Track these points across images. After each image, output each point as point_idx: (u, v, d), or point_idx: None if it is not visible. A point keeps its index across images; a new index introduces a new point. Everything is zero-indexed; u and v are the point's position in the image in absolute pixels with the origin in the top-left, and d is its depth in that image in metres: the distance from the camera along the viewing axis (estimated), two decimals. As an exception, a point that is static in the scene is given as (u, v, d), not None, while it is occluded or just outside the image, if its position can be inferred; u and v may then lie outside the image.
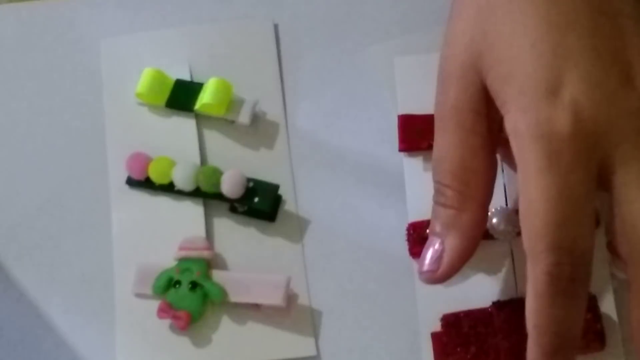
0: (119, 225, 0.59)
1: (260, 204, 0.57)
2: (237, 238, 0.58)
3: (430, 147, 0.57)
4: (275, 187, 0.58)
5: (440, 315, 0.53)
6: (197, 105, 0.60)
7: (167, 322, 0.56)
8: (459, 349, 0.52)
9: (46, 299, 0.57)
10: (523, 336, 0.52)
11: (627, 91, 0.46)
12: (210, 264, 0.57)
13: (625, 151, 0.45)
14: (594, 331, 0.52)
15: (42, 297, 0.57)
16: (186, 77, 0.62)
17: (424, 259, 0.49)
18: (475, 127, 0.48)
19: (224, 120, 0.61)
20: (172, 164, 0.58)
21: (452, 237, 0.48)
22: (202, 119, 0.61)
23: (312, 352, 0.55)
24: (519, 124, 0.46)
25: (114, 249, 0.58)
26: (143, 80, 0.61)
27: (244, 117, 0.60)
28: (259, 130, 0.61)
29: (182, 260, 0.56)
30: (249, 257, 0.58)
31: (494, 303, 0.53)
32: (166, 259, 0.57)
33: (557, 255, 0.44)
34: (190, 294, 0.55)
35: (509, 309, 0.53)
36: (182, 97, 0.61)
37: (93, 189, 0.60)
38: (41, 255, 0.58)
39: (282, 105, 0.62)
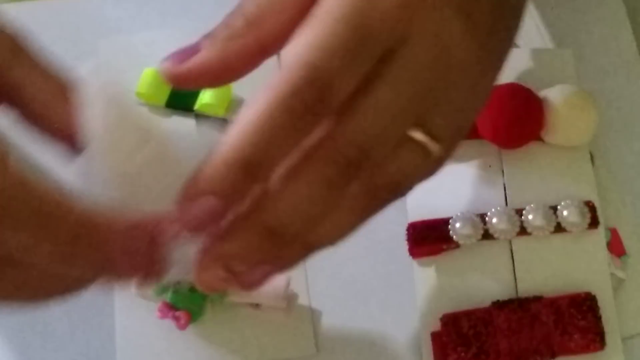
0: (119, 225, 0.59)
1: (260, 203, 0.57)
2: (237, 238, 0.58)
3: None
4: (275, 187, 0.58)
5: (440, 315, 0.53)
6: (197, 105, 0.60)
7: (167, 322, 0.55)
8: (459, 349, 0.52)
9: (46, 299, 0.57)
10: (523, 336, 0.52)
11: None
12: (210, 264, 0.56)
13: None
14: (594, 331, 0.52)
15: (42, 297, 0.57)
16: (186, 77, 0.62)
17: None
18: None
19: (224, 120, 0.61)
20: (172, 164, 0.58)
21: (213, 44, 0.43)
22: (202, 119, 0.61)
23: (312, 351, 0.56)
24: None
25: (114, 249, 0.58)
26: (143, 80, 0.61)
27: (243, 117, 0.60)
28: (258, 130, 0.61)
29: (182, 260, 0.56)
30: (249, 257, 0.58)
31: (493, 303, 0.53)
32: (166, 259, 0.56)
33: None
34: (190, 294, 0.55)
35: (509, 309, 0.53)
36: (181, 97, 0.61)
37: (93, 189, 0.60)
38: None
39: (282, 105, 0.62)
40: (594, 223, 0.55)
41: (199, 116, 0.61)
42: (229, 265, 0.39)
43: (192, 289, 0.55)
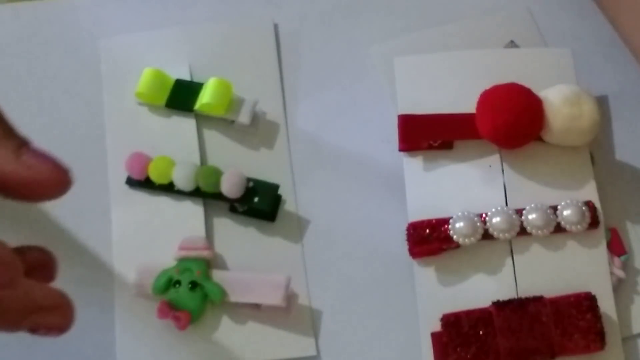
0: (119, 225, 0.59)
1: (260, 203, 0.57)
2: (237, 238, 0.58)
3: (430, 147, 0.58)
4: (275, 187, 0.58)
5: (440, 315, 0.53)
6: (197, 105, 0.60)
7: (167, 322, 0.55)
8: (459, 349, 0.52)
9: (46, 299, 0.57)
10: (523, 336, 0.52)
11: None
12: (210, 263, 0.57)
13: None
14: (594, 331, 0.52)
15: (42, 297, 0.57)
16: (186, 77, 0.62)
17: None
18: None
19: (223, 120, 0.61)
20: (172, 164, 0.58)
21: None
22: (202, 119, 0.61)
23: (312, 352, 0.56)
24: None
25: (114, 249, 0.58)
26: (143, 80, 0.61)
27: (243, 117, 0.60)
28: (258, 130, 0.61)
29: (182, 260, 0.56)
30: (249, 257, 0.58)
31: (494, 303, 0.53)
32: (166, 258, 0.57)
33: None
34: (190, 294, 0.55)
35: (509, 309, 0.53)
36: (182, 97, 0.61)
37: (93, 189, 0.60)
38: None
39: (282, 105, 0.62)
40: (594, 223, 0.55)
41: (199, 116, 0.61)
42: None
43: (192, 289, 0.55)
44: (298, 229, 0.59)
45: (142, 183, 0.59)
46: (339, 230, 0.59)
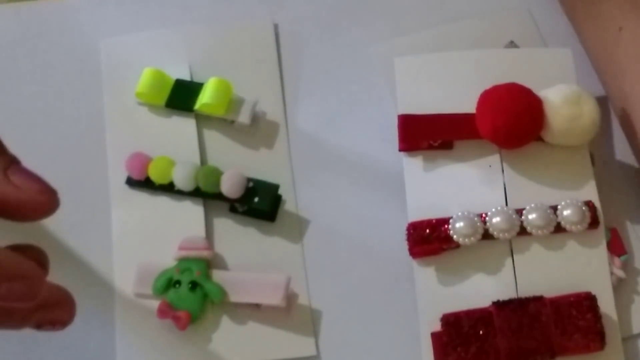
0: (119, 225, 0.59)
1: (260, 203, 0.57)
2: (237, 238, 0.58)
3: (430, 147, 0.57)
4: (275, 187, 0.58)
5: (440, 315, 0.53)
6: (197, 105, 0.60)
7: (167, 322, 0.55)
8: (459, 349, 0.52)
9: (46, 299, 0.57)
10: (523, 336, 0.52)
11: None
12: (210, 263, 0.57)
13: None
14: (594, 331, 0.52)
15: (42, 297, 0.57)
16: (186, 77, 0.62)
17: None
18: None
19: (223, 120, 0.61)
20: (172, 164, 0.58)
21: None
22: (202, 119, 0.61)
23: (312, 352, 0.56)
24: None
25: (114, 249, 0.58)
26: (143, 80, 0.61)
27: (243, 117, 0.60)
28: (258, 130, 0.61)
29: (182, 260, 0.56)
30: (249, 257, 0.58)
31: (494, 303, 0.53)
32: (166, 259, 0.57)
33: None
34: (190, 294, 0.55)
35: (509, 309, 0.53)
36: (182, 97, 0.61)
37: (93, 189, 0.60)
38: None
39: (282, 105, 0.62)
40: (594, 223, 0.55)
41: (199, 116, 0.61)
42: None
43: (192, 289, 0.55)
44: (298, 229, 0.59)
45: (142, 183, 0.59)
46: (339, 230, 0.59)
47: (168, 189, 0.59)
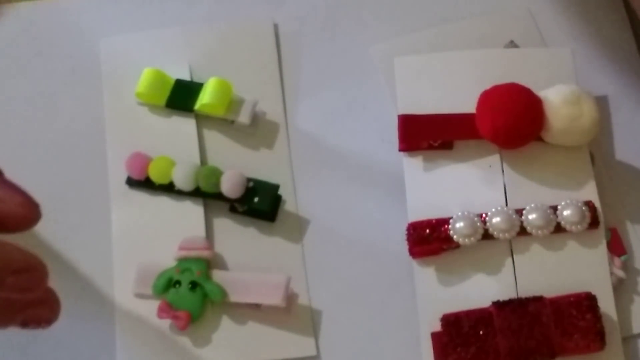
0: (119, 226, 0.59)
1: (260, 204, 0.57)
2: (237, 238, 0.58)
3: (430, 147, 0.57)
4: (275, 187, 0.58)
5: (440, 315, 0.53)
6: (197, 105, 0.60)
7: (167, 322, 0.56)
8: (459, 349, 0.52)
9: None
10: (523, 336, 0.52)
11: None
12: (210, 264, 0.57)
13: None
14: (594, 331, 0.52)
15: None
16: (186, 77, 0.62)
17: None
18: None
19: (223, 120, 0.61)
20: (172, 164, 0.58)
21: None
22: (202, 119, 0.61)
23: (312, 352, 0.56)
24: None
25: (114, 249, 0.58)
26: (143, 80, 0.61)
27: (243, 117, 0.60)
28: (258, 130, 0.61)
29: (182, 260, 0.56)
30: (249, 257, 0.58)
31: (494, 303, 0.53)
32: (166, 259, 0.57)
33: None
34: (190, 294, 0.55)
35: (509, 309, 0.53)
36: (182, 97, 0.61)
37: (93, 189, 0.60)
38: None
39: (282, 105, 0.62)
40: (594, 223, 0.55)
41: (199, 116, 0.61)
42: None
43: (193, 289, 0.55)
44: (298, 229, 0.59)
45: (142, 183, 0.59)
46: (339, 230, 0.59)
47: (168, 189, 0.59)
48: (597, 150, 0.60)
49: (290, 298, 0.56)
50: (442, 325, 0.53)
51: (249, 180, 0.58)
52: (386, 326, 0.56)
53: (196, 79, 0.62)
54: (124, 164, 0.59)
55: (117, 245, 0.58)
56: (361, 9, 0.66)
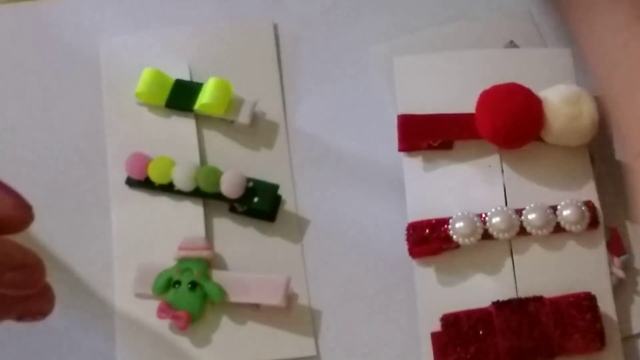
0: (118, 226, 0.59)
1: (260, 204, 0.57)
2: (236, 238, 0.59)
3: (429, 147, 0.57)
4: (275, 187, 0.58)
5: (440, 315, 0.53)
6: (197, 105, 0.60)
7: (167, 322, 0.56)
8: (458, 349, 0.52)
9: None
10: (523, 336, 0.52)
11: None
12: (210, 264, 0.57)
13: None
14: (594, 331, 0.52)
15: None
16: (186, 77, 0.62)
17: None
18: None
19: (223, 120, 0.61)
20: (171, 164, 0.58)
21: None
22: (201, 119, 0.61)
23: (312, 352, 0.56)
24: None
25: (114, 249, 0.58)
26: (143, 80, 0.61)
27: (243, 117, 0.60)
28: (258, 130, 0.61)
29: (182, 260, 0.56)
30: (248, 257, 0.58)
31: (493, 303, 0.53)
32: (166, 259, 0.57)
33: None
34: (190, 294, 0.55)
35: (509, 309, 0.53)
36: (181, 97, 0.61)
37: (93, 189, 0.60)
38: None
39: (281, 105, 0.62)
40: (593, 223, 0.55)
41: (199, 116, 0.61)
42: None
43: (192, 289, 0.55)
44: (298, 229, 0.59)
45: (142, 183, 0.59)
46: (339, 230, 0.59)
47: (168, 189, 0.59)
48: (597, 150, 0.60)
49: (290, 298, 0.56)
50: (442, 325, 0.53)
51: (248, 180, 0.58)
52: (386, 326, 0.56)
53: (196, 79, 0.62)
54: (123, 164, 0.59)
55: (117, 245, 0.58)
56: (361, 9, 0.66)
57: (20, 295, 0.42)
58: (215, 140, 0.61)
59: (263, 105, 0.62)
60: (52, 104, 0.63)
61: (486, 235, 0.55)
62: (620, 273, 0.56)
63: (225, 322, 0.56)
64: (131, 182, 0.60)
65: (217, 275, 0.56)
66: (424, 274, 0.56)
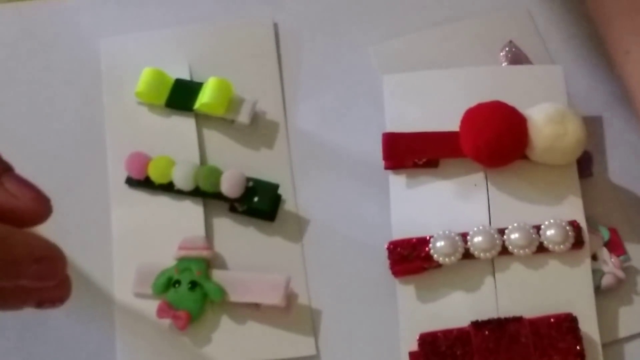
0: (118, 225, 0.59)
1: (260, 203, 0.57)
2: (236, 238, 0.59)
3: (415, 165, 0.57)
4: (275, 187, 0.58)
5: (418, 335, 0.53)
6: (197, 105, 0.60)
7: (167, 321, 0.56)
8: (435, 369, 0.53)
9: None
10: (501, 357, 0.51)
11: None
12: (210, 263, 0.57)
13: None
14: (574, 353, 0.52)
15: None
16: (186, 76, 0.62)
17: None
18: None
19: (223, 120, 0.61)
20: (171, 163, 0.58)
21: None
22: (201, 119, 0.61)
23: (311, 351, 0.56)
24: None
25: (114, 249, 0.58)
26: (143, 79, 0.61)
27: (243, 117, 0.60)
28: (258, 129, 0.61)
29: (182, 259, 0.57)
30: (248, 256, 0.58)
31: (472, 323, 0.53)
32: (166, 258, 0.57)
33: None
34: (190, 293, 0.55)
35: (488, 329, 0.53)
36: (181, 96, 0.61)
37: (93, 189, 0.60)
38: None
39: (281, 105, 0.62)
40: (578, 243, 0.55)
41: (199, 116, 0.61)
42: None
43: (192, 289, 0.55)
44: (298, 228, 0.59)
45: (142, 183, 0.59)
46: (338, 229, 0.59)
47: (168, 188, 0.59)
48: (597, 150, 0.60)
49: (290, 298, 0.56)
50: (419, 345, 0.53)
51: (248, 179, 0.58)
52: (386, 326, 0.56)
53: (196, 79, 0.62)
54: (123, 163, 0.59)
55: (117, 245, 0.59)
56: (361, 9, 0.66)
57: (43, 286, 0.42)
58: (215, 139, 0.61)
59: (263, 105, 0.62)
60: (52, 103, 0.63)
61: (468, 255, 0.55)
62: (620, 273, 0.56)
63: (225, 322, 0.56)
64: (131, 182, 0.60)
65: (217, 275, 0.56)
66: (406, 293, 0.56)
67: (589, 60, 0.63)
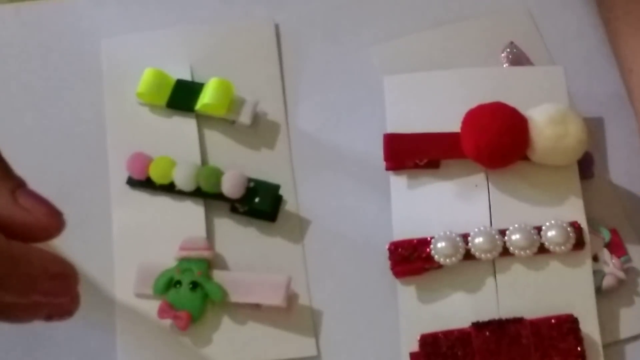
0: (119, 226, 0.59)
1: (260, 204, 0.57)
2: (237, 238, 0.59)
3: (416, 166, 0.57)
4: (276, 187, 0.58)
5: (419, 335, 0.53)
6: (198, 106, 0.60)
7: (167, 322, 0.56)
8: (436, 370, 0.53)
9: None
10: (502, 358, 0.51)
11: None
12: (210, 264, 0.57)
13: None
14: (575, 354, 0.52)
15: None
16: (187, 77, 0.62)
17: None
18: None
19: (224, 121, 0.61)
20: (172, 164, 0.58)
21: None
22: (202, 119, 0.61)
23: (312, 352, 0.56)
24: None
25: (115, 249, 0.58)
26: (144, 80, 0.61)
27: (244, 117, 0.60)
28: (259, 130, 0.61)
29: (183, 260, 0.57)
30: (249, 257, 0.58)
31: (473, 324, 0.53)
32: (167, 259, 0.57)
33: None
34: (191, 294, 0.55)
35: (488, 330, 0.53)
36: (182, 97, 0.61)
37: (94, 189, 0.60)
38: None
39: (282, 106, 0.62)
40: (579, 244, 0.55)
41: (200, 116, 0.61)
42: None
43: (193, 289, 0.55)
44: (299, 229, 0.59)
45: (143, 183, 0.60)
46: (339, 230, 0.59)
47: (169, 189, 0.59)
48: (597, 150, 0.60)
49: (291, 298, 0.56)
50: (420, 345, 0.53)
51: (249, 180, 0.58)
52: (387, 326, 0.56)
53: (197, 79, 0.62)
54: (124, 164, 0.59)
55: (118, 245, 0.59)
56: (361, 9, 0.66)
57: (56, 302, 0.43)
58: (217, 140, 0.61)
59: (264, 106, 0.62)
60: (53, 104, 0.63)
61: (469, 256, 0.55)
62: (621, 274, 0.56)
63: (226, 322, 0.56)
64: (132, 182, 0.60)
65: (218, 276, 0.56)
66: (407, 294, 0.56)
67: (590, 61, 0.64)
